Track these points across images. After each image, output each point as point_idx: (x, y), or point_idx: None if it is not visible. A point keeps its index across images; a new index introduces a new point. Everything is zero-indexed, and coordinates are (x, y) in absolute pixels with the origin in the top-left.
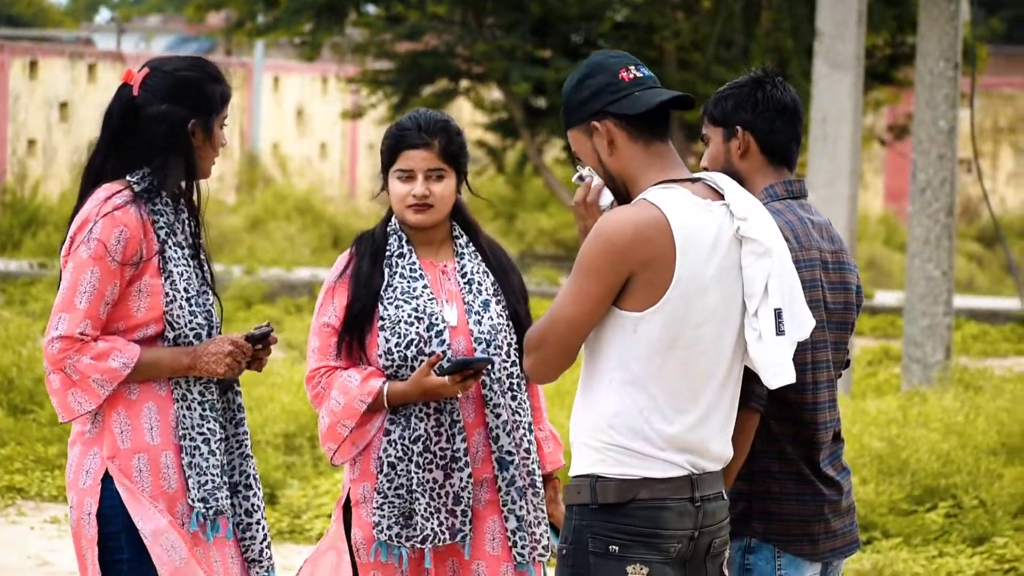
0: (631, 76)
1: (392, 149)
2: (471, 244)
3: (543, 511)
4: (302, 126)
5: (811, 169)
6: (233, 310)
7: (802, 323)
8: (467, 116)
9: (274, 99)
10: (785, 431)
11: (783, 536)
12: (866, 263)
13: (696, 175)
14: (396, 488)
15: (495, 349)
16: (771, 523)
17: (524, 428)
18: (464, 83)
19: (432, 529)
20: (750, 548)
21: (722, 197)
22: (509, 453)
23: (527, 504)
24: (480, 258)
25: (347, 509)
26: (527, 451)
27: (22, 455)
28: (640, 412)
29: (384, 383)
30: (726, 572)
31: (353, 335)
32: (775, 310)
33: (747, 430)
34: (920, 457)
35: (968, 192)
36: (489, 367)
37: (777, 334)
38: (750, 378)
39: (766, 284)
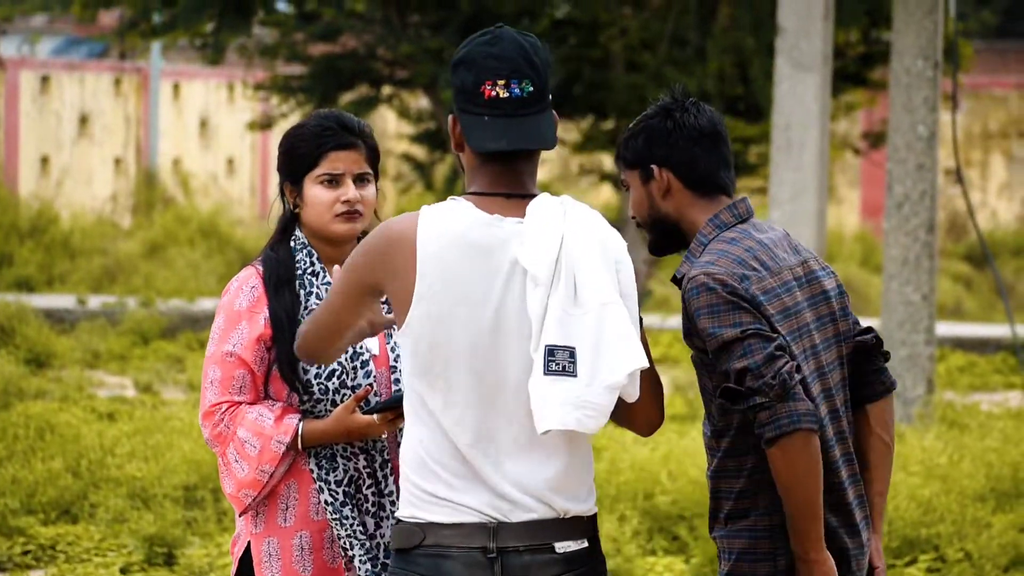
0: (492, 94)
1: (312, 151)
2: None
3: None
4: (206, 139)
5: (773, 182)
6: (128, 346)
7: (613, 368)
8: (391, 127)
9: (174, 109)
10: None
11: None
12: None
13: (528, 192)
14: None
15: None
16: None
17: None
18: (387, 89)
19: None
20: None
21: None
22: None
23: None
24: None
25: (244, 567)
26: None
27: None
28: (420, 443)
29: (300, 421)
30: None
31: (283, 367)
32: (546, 347)
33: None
34: (899, 504)
35: (955, 206)
36: None
37: (545, 374)
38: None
39: (543, 317)
